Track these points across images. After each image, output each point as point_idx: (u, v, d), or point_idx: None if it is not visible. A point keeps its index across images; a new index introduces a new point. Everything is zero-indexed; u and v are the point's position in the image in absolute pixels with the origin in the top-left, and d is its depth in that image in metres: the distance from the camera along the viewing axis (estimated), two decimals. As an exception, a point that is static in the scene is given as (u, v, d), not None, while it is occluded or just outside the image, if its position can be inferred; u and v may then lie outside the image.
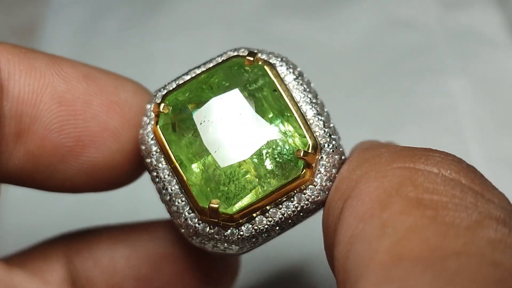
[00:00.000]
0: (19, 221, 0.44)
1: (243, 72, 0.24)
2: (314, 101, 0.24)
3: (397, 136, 0.45)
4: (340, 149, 0.24)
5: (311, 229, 0.25)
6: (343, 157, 0.24)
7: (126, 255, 0.29)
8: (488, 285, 0.16)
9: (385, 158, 0.20)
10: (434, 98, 0.47)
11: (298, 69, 0.25)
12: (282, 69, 0.24)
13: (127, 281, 0.28)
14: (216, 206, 0.23)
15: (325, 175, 0.23)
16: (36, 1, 0.59)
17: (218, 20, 0.54)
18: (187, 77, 0.25)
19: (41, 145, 0.24)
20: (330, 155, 0.23)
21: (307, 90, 0.24)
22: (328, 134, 0.24)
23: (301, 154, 0.22)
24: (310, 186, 0.23)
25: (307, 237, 0.26)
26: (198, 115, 0.24)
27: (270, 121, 0.23)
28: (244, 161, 0.23)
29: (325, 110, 0.24)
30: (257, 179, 0.23)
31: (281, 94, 0.23)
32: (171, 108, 0.24)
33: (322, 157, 0.23)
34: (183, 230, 0.24)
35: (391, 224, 0.18)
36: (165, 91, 0.25)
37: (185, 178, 0.23)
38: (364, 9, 0.53)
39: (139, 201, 0.42)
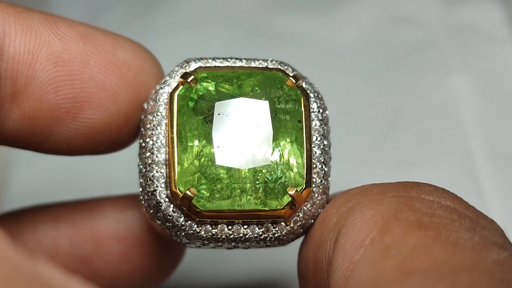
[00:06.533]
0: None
1: (279, 89, 0.24)
2: (326, 149, 0.24)
3: (398, 132, 0.45)
4: (324, 204, 0.24)
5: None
6: (320, 210, 0.24)
7: (68, 234, 0.28)
8: None
9: (377, 190, 0.20)
10: (435, 94, 0.46)
11: (327, 112, 0.25)
12: (313, 106, 0.24)
13: (70, 260, 0.27)
14: (192, 196, 0.22)
15: (301, 221, 0.23)
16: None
17: (219, 17, 0.54)
18: (226, 63, 0.25)
19: (37, 106, 0.23)
20: (315, 206, 0.23)
21: (325, 136, 0.24)
22: (323, 187, 0.24)
23: (293, 192, 0.22)
24: (282, 223, 0.23)
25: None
26: (219, 105, 0.23)
27: (280, 146, 0.23)
28: (238, 169, 0.23)
29: (330, 163, 0.25)
30: (240, 192, 0.23)
31: (302, 128, 0.23)
32: (198, 84, 0.23)
33: (307, 204, 0.23)
34: (143, 198, 0.24)
35: (395, 246, 0.17)
36: (200, 64, 0.24)
37: (175, 155, 0.23)
38: (365, 5, 0.52)
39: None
